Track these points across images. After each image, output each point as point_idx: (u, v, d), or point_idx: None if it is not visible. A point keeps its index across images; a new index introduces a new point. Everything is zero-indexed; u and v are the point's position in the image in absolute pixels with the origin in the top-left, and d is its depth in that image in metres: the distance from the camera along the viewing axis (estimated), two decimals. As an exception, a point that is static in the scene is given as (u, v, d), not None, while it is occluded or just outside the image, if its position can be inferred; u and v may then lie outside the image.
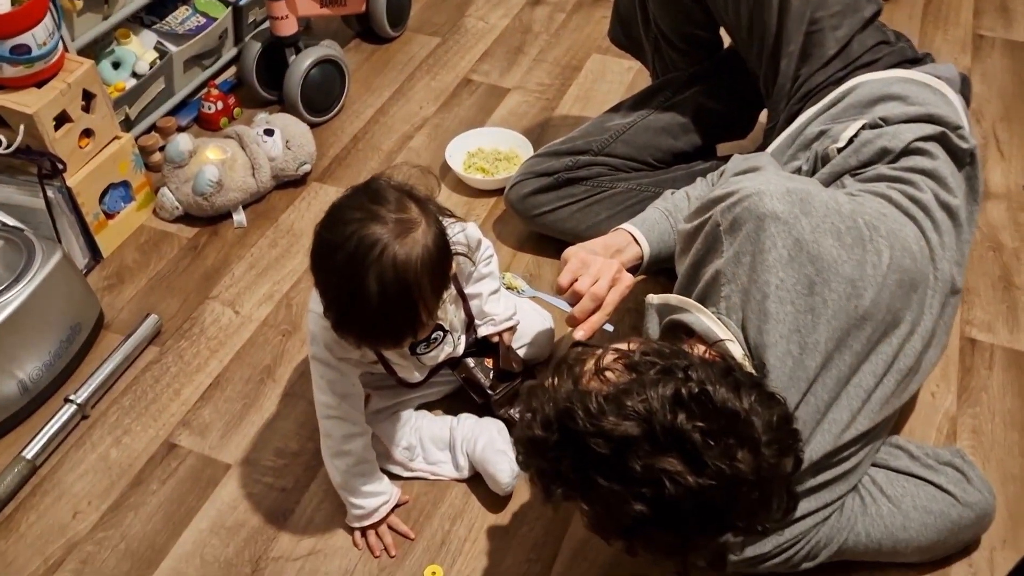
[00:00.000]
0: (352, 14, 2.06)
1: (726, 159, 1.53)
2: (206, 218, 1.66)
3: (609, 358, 0.88)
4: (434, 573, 1.15)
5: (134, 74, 1.72)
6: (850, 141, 1.21)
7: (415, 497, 1.24)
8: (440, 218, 1.03)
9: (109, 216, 1.59)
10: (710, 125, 1.55)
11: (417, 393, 1.31)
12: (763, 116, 1.59)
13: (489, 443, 1.23)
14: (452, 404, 1.34)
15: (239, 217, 1.66)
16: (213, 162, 1.61)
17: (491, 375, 1.29)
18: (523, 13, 2.27)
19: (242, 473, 1.27)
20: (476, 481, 1.25)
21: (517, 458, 0.92)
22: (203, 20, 1.85)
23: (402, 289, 0.96)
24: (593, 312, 1.14)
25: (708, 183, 1.32)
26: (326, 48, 1.85)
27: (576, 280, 1.15)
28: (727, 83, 1.52)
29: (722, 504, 0.81)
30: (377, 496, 1.18)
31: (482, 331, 1.30)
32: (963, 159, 1.20)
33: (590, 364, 0.87)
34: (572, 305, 1.15)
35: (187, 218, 1.66)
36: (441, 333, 1.17)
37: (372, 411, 1.25)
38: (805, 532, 1.05)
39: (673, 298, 1.12)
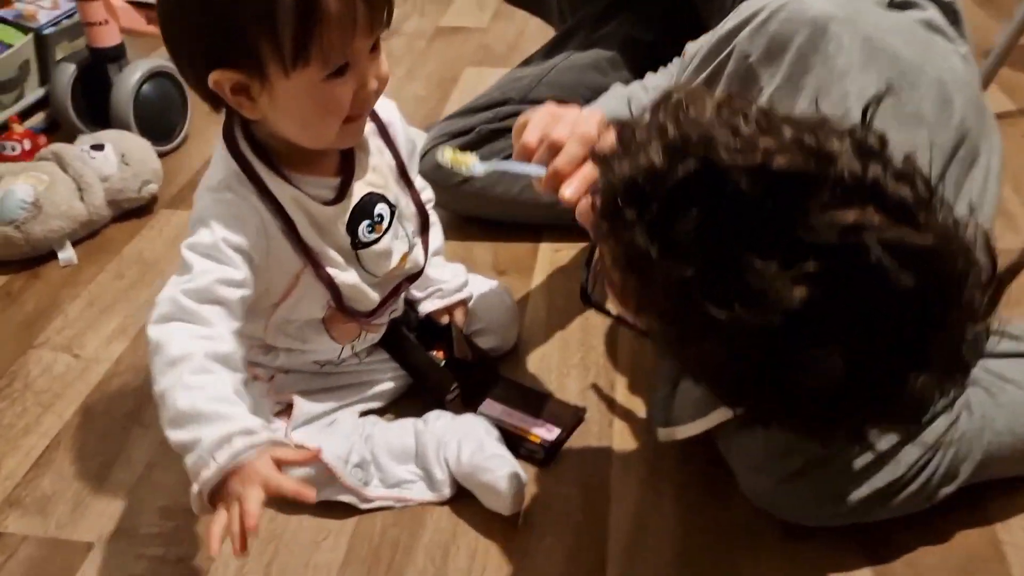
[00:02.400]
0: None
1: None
2: (20, 261, 1.25)
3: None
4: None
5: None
6: None
7: (381, 533, 0.86)
8: None
9: None
10: (641, 58, 1.32)
11: (357, 396, 0.94)
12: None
13: (478, 448, 0.86)
14: (403, 410, 0.98)
15: (66, 254, 1.26)
16: (24, 182, 1.22)
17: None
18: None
19: (113, 551, 0.84)
20: (460, 499, 0.88)
21: (600, 207, 0.59)
22: (-5, 47, 1.49)
23: None
24: (584, 162, 0.79)
25: (667, 74, 1.07)
26: (158, 59, 1.52)
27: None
28: (655, 8, 1.32)
29: (940, 293, 0.53)
30: (235, 420, 0.69)
31: (426, 307, 0.99)
32: None
33: (707, 104, 0.57)
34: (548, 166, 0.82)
35: (-8, 263, 1.25)
36: (387, 209, 0.85)
37: (300, 422, 0.88)
38: (939, 438, 0.78)
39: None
